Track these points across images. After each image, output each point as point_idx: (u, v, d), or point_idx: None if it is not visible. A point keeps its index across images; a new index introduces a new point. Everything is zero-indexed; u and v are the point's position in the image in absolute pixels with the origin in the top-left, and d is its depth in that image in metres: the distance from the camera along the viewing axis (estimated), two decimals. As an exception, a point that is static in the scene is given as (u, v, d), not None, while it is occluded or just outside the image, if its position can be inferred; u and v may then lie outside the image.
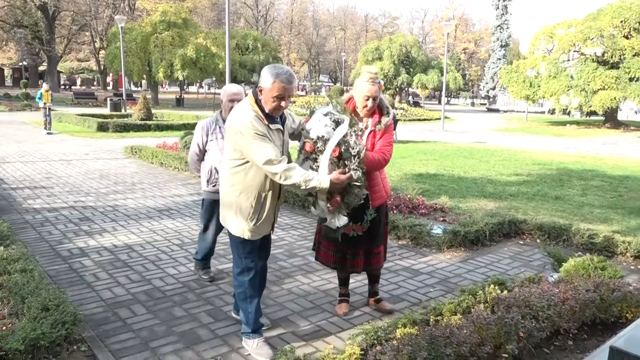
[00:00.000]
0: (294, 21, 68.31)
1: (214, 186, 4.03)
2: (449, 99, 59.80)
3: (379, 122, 3.46)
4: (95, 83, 66.08)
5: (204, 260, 4.43)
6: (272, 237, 5.72)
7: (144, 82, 47.02)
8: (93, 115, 20.60)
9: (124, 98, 27.66)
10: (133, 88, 56.31)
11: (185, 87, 53.73)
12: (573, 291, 3.36)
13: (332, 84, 71.53)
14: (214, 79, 39.05)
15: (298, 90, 67.01)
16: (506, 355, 2.82)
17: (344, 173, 2.91)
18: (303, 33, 67.95)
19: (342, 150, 2.93)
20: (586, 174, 10.67)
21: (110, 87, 54.13)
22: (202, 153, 4.12)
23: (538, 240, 5.69)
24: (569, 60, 28.38)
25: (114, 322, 3.55)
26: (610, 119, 28.13)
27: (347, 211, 3.05)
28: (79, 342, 3.16)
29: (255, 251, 3.17)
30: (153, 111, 22.36)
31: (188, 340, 3.32)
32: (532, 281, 3.78)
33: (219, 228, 4.22)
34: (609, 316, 3.41)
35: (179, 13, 38.14)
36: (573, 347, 3.19)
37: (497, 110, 46.15)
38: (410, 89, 52.93)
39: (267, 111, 2.87)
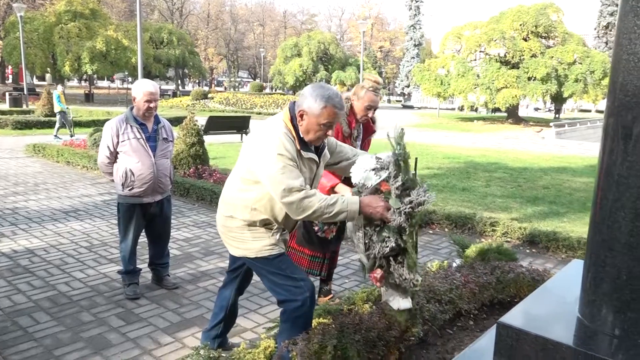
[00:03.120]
0: (211, 15, 66.72)
1: (130, 190, 3.75)
2: (366, 95, 61.24)
3: (375, 131, 3.56)
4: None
5: (130, 273, 3.98)
6: (188, 235, 5.69)
7: (48, 75, 43.87)
8: (-11, 112, 18.96)
9: (25, 92, 25.71)
10: (37, 82, 52.34)
11: (95, 81, 50.85)
12: (473, 275, 3.62)
13: (251, 80, 70.77)
14: (126, 73, 37.35)
15: (216, 86, 65.71)
16: (413, 338, 2.99)
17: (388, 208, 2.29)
18: (220, 28, 66.58)
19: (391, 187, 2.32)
20: (490, 167, 11.44)
21: (9, 81, 49.89)
22: (114, 155, 3.78)
23: (446, 229, 6.04)
24: (475, 60, 30.19)
25: (13, 331, 3.33)
26: (512, 115, 30.29)
27: (404, 296, 2.47)
28: (-28, 355, 2.94)
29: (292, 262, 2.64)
30: (59, 107, 20.94)
31: (96, 346, 3.19)
32: (439, 268, 4.01)
33: (139, 234, 3.98)
34: (505, 296, 3.71)
35: (86, 3, 36.02)
36: (474, 327, 3.44)
37: (411, 107, 47.98)
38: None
39: (307, 139, 2.40)
